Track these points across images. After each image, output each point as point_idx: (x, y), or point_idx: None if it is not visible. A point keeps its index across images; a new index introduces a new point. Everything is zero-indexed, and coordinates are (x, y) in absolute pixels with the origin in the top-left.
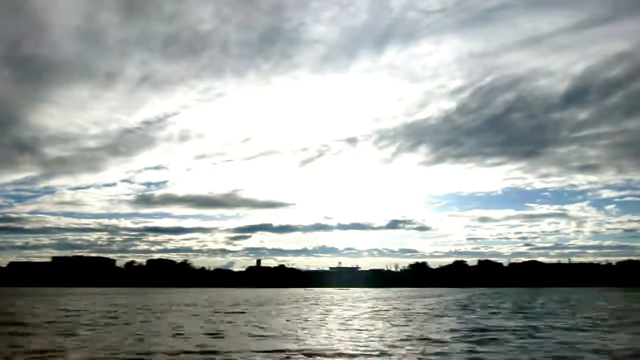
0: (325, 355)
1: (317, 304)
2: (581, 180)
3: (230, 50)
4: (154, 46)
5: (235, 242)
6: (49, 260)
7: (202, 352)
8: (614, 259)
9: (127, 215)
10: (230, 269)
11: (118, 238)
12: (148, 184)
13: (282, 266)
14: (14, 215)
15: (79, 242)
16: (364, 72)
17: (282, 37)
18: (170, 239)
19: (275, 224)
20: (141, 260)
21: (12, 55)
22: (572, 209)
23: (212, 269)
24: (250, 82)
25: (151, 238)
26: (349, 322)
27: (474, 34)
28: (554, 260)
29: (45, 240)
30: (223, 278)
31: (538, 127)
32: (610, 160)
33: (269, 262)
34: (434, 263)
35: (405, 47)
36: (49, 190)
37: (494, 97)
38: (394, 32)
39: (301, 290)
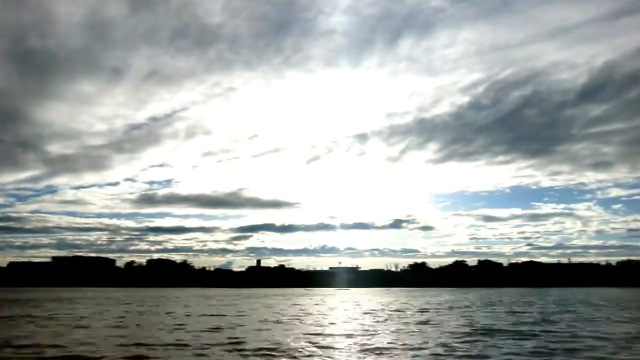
0: None
1: None
2: (591, 178)
3: (240, 43)
4: (162, 40)
5: (236, 241)
6: (48, 260)
7: None
8: (615, 259)
9: (128, 215)
10: (230, 268)
11: (118, 238)
12: (152, 183)
13: (282, 266)
14: (15, 215)
15: (78, 242)
16: (380, 66)
17: (295, 28)
18: (171, 239)
19: (278, 223)
20: (141, 260)
21: (15, 49)
22: (579, 208)
23: (212, 268)
24: (260, 76)
25: (152, 238)
26: None
27: (496, 25)
28: (555, 260)
29: (45, 240)
30: (223, 278)
31: (550, 124)
32: (623, 158)
33: (269, 262)
34: (434, 263)
35: (423, 38)
36: (51, 189)
37: (509, 92)
38: (412, 22)
39: (301, 290)
